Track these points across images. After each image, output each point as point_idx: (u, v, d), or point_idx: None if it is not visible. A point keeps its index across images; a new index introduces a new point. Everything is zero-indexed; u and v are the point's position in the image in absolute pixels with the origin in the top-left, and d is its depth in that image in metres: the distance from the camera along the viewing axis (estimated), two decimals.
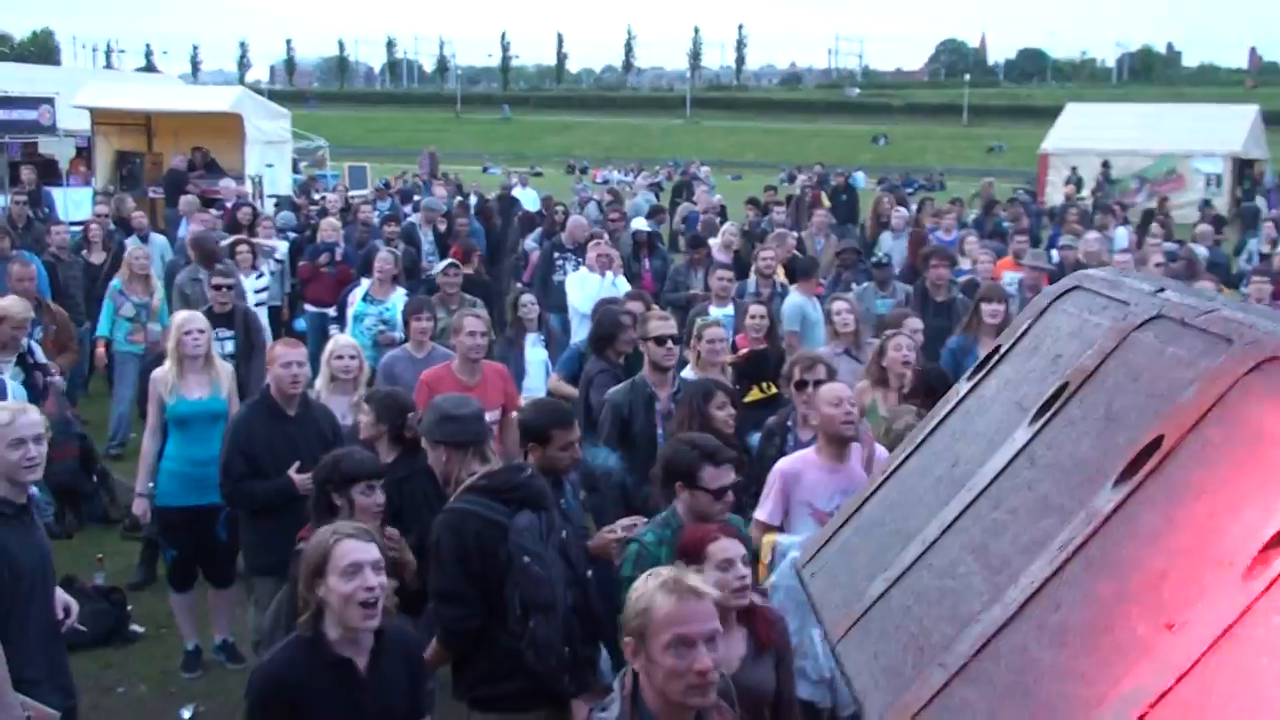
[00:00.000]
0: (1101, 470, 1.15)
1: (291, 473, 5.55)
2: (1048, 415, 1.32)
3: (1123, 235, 17.08)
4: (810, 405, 5.27)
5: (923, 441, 1.54)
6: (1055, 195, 30.09)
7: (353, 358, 6.42)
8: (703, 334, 6.65)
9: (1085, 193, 30.27)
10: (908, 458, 1.54)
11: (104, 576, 7.40)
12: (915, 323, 7.54)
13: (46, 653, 4.32)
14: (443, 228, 13.85)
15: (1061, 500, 1.18)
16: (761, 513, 4.92)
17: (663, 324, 6.33)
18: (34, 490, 6.38)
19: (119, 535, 8.60)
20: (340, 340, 6.78)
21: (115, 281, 10.31)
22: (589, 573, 4.48)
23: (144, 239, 13.17)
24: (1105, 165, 35.16)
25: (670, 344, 6.27)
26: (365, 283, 9.65)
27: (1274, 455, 0.98)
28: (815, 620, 4.38)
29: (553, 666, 4.11)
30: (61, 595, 4.57)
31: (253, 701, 3.38)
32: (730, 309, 9.02)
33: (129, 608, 7.21)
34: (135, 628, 7.12)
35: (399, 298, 9.52)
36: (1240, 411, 1.05)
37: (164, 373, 6.57)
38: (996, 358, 1.53)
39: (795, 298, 9.69)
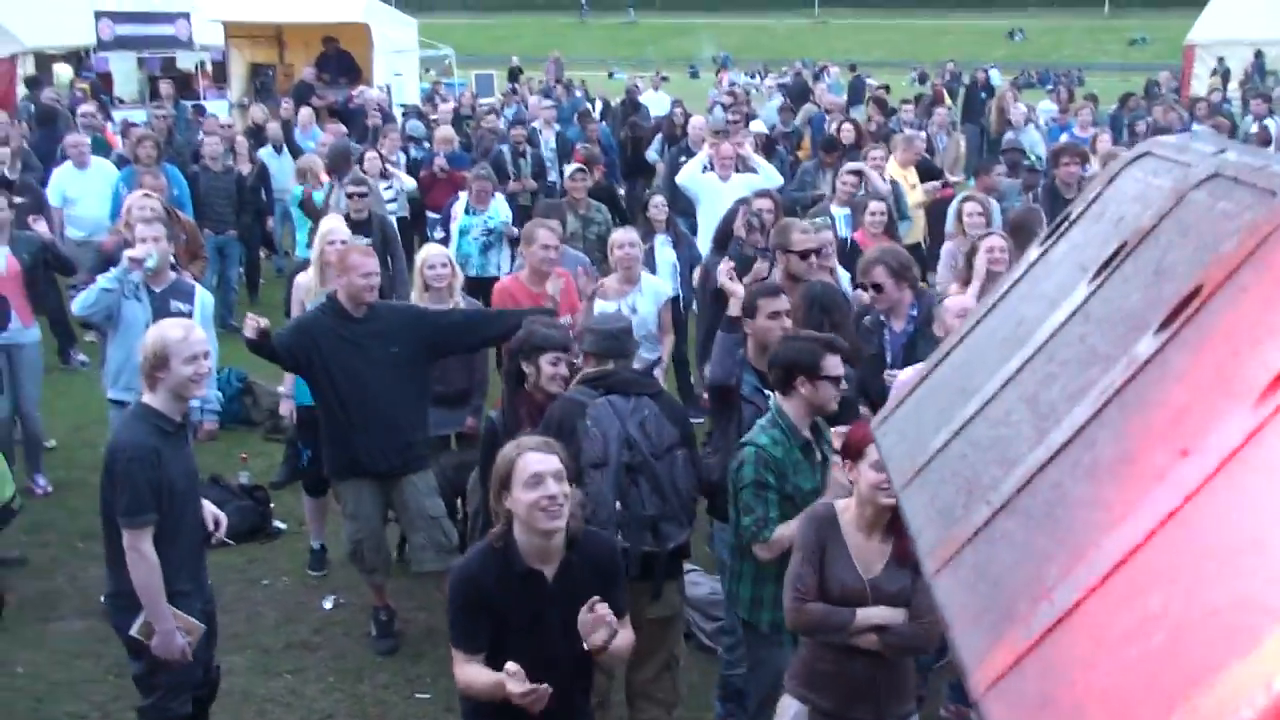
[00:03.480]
0: (1146, 321, 1.20)
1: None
2: (1105, 274, 1.37)
3: (1272, 127, 16.33)
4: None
5: (994, 306, 1.60)
6: (1202, 90, 28.62)
7: (444, 265, 6.65)
8: None
9: (1234, 85, 28.77)
10: (979, 322, 1.61)
11: (248, 476, 7.84)
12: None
13: (192, 565, 4.63)
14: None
15: (1108, 350, 1.23)
16: None
17: (806, 239, 6.37)
18: (211, 394, 6.72)
19: (261, 437, 9.09)
20: (431, 249, 7.04)
21: (298, 190, 10.72)
22: (678, 451, 4.65)
23: (278, 150, 13.62)
24: (1258, 55, 33.18)
25: (814, 259, 6.30)
26: (464, 195, 9.92)
27: None
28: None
29: (603, 519, 4.43)
30: (211, 508, 4.85)
31: (455, 599, 3.66)
32: (847, 210, 8.98)
33: (271, 505, 7.65)
34: (278, 524, 7.58)
35: (498, 203, 9.87)
36: (1275, 258, 1.10)
37: (307, 279, 6.87)
38: (1068, 224, 1.58)
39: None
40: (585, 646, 3.46)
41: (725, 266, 5.69)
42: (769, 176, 10.10)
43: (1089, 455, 1.14)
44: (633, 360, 5.15)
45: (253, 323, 5.61)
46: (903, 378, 5.03)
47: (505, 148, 13.17)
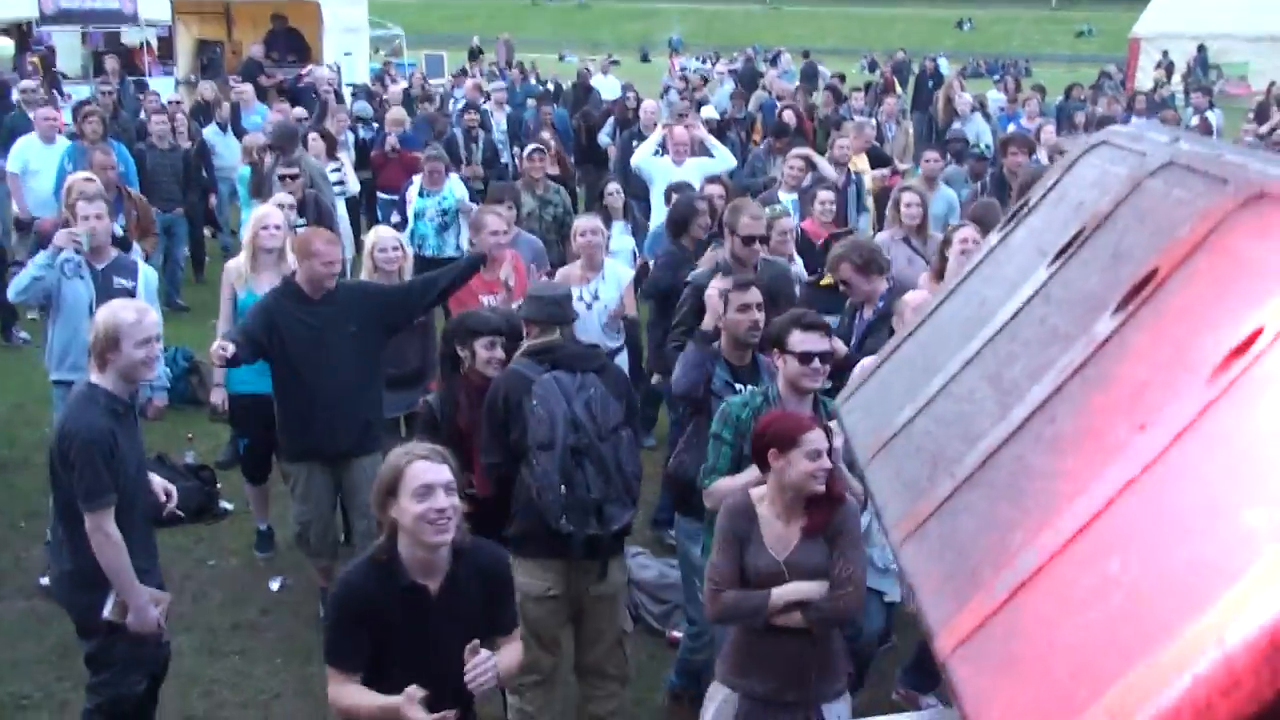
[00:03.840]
0: (1104, 302, 1.26)
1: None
2: (1065, 258, 1.43)
3: (1213, 119, 16.69)
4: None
5: (956, 288, 1.66)
6: (1147, 83, 29.00)
7: (395, 248, 6.61)
8: (771, 225, 6.69)
9: (1177, 78, 29.22)
10: (942, 303, 1.66)
11: (193, 455, 7.77)
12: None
13: (147, 542, 4.60)
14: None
15: (1068, 330, 1.29)
16: None
17: (753, 224, 6.26)
18: (160, 371, 6.60)
19: (208, 417, 8.98)
20: (382, 232, 6.99)
21: (245, 169, 10.57)
22: (623, 431, 4.67)
23: (223, 129, 13.45)
24: (1200, 49, 33.72)
25: (757, 244, 6.29)
26: (417, 179, 9.86)
27: (1249, 279, 1.09)
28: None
29: (549, 501, 4.45)
30: (160, 480, 4.81)
31: (333, 613, 3.49)
32: (795, 195, 9.03)
33: (219, 485, 7.59)
34: (225, 504, 7.50)
35: (453, 183, 9.81)
36: (1227, 243, 1.16)
37: (237, 264, 6.76)
38: (1027, 210, 1.64)
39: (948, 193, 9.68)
40: (470, 689, 3.32)
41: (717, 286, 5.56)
42: (724, 158, 10.13)
43: (1050, 429, 1.20)
44: (573, 327, 5.08)
45: (220, 353, 5.48)
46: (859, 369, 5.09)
47: (459, 131, 13.11)
